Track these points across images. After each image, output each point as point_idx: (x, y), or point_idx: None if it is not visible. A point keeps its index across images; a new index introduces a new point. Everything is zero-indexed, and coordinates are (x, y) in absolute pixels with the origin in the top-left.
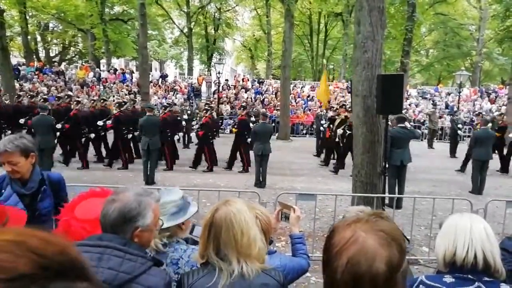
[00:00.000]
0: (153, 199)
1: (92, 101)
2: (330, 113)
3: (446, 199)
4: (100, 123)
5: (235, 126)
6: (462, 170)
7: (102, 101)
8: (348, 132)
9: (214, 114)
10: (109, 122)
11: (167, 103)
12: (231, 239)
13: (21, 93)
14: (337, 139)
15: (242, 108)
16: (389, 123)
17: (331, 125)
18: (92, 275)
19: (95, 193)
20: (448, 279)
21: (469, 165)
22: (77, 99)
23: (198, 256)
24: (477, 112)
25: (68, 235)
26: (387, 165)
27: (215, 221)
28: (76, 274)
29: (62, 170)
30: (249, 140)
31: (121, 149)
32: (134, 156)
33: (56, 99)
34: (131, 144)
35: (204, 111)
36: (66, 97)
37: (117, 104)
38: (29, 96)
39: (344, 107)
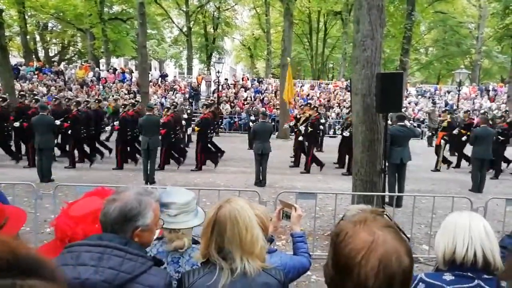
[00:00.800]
0: (153, 199)
1: (55, 99)
2: (295, 111)
3: (446, 197)
4: (57, 122)
5: (198, 125)
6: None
7: (67, 100)
8: (310, 129)
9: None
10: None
11: (132, 101)
12: (236, 236)
13: (22, 93)
14: (300, 138)
15: (204, 106)
16: (389, 121)
17: (297, 124)
18: (50, 272)
19: (98, 192)
20: (448, 276)
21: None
22: (35, 97)
23: (199, 255)
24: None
25: (55, 231)
26: (386, 164)
27: (218, 219)
28: (22, 271)
29: (64, 170)
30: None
31: (71, 148)
32: (104, 154)
33: (19, 97)
34: (96, 143)
35: (166, 109)
36: (31, 95)
37: (74, 103)
38: (28, 96)
39: (309, 105)
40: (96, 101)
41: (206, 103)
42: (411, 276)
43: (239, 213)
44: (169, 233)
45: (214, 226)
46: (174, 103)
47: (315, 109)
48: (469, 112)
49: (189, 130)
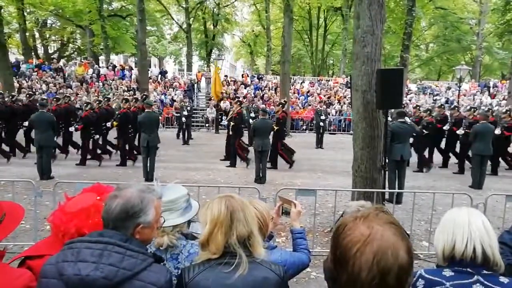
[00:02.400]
0: (155, 196)
1: None
2: (224, 105)
3: (446, 194)
4: None
5: (116, 119)
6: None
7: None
8: (232, 123)
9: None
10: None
11: (66, 95)
12: (254, 219)
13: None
14: (231, 132)
15: (124, 101)
16: (389, 117)
17: (226, 117)
18: None
19: (95, 188)
20: (448, 272)
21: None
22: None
23: (214, 251)
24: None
25: (52, 227)
26: (387, 160)
27: (234, 208)
28: None
29: (63, 167)
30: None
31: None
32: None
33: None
34: (24, 138)
35: (85, 104)
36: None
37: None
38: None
39: (235, 99)
40: (27, 95)
41: (125, 97)
42: (410, 273)
43: (245, 202)
44: None
45: (232, 216)
46: (99, 99)
47: (239, 103)
48: (418, 107)
49: (108, 124)
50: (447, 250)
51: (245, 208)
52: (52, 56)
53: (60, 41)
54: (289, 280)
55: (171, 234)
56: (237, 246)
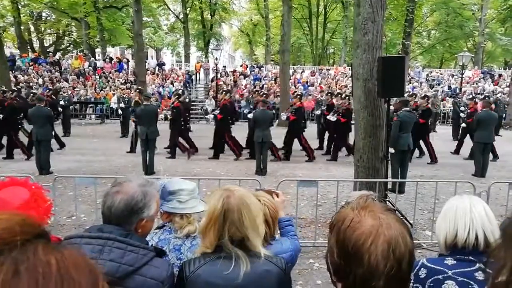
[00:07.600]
0: (155, 190)
1: None
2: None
3: (449, 182)
4: None
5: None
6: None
7: None
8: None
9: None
10: None
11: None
12: (253, 222)
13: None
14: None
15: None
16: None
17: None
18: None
19: (11, 182)
20: (450, 261)
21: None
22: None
23: (207, 245)
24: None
25: None
26: (393, 150)
27: (231, 207)
28: None
29: (62, 162)
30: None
31: None
32: None
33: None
34: None
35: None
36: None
37: None
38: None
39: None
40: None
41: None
42: (415, 256)
43: (249, 199)
44: (180, 219)
45: (225, 216)
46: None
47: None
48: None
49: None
50: (449, 238)
51: (243, 208)
52: (48, 50)
53: (55, 34)
54: (291, 269)
55: (194, 221)
56: (231, 247)
